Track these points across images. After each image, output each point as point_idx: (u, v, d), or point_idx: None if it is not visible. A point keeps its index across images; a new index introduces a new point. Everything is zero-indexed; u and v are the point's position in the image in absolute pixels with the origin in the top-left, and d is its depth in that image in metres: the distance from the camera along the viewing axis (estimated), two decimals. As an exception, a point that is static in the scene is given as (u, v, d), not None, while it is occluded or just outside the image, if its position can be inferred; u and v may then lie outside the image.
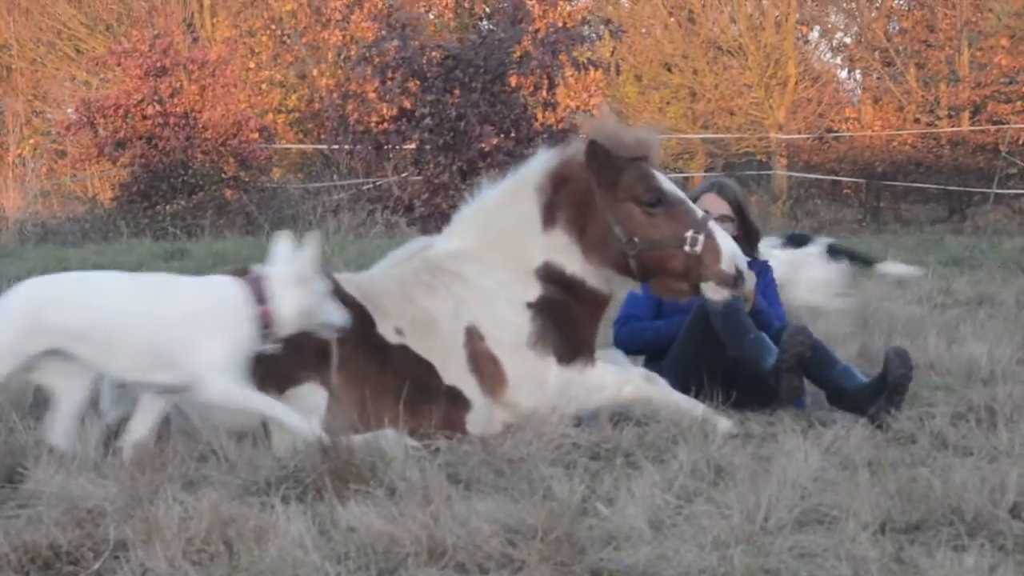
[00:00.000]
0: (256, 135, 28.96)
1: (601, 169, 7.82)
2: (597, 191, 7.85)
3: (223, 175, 27.86)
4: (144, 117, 27.50)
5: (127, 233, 25.30)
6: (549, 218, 7.94)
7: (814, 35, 41.95)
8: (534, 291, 7.92)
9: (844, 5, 40.23)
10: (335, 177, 29.23)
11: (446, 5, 22.80)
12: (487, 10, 21.88)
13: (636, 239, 7.81)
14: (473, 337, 7.79)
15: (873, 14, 39.06)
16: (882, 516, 5.75)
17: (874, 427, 7.68)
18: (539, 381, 7.80)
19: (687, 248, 7.78)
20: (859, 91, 41.44)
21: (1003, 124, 33.41)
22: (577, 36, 20.39)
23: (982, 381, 9.16)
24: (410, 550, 5.34)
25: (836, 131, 36.58)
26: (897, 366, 7.88)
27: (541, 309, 7.89)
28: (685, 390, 8.13)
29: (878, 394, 7.88)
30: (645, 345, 8.87)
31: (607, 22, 21.63)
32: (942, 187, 31.60)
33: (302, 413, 7.12)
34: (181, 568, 5.22)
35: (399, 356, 7.64)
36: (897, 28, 38.66)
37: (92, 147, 28.15)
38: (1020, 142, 33.06)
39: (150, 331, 6.70)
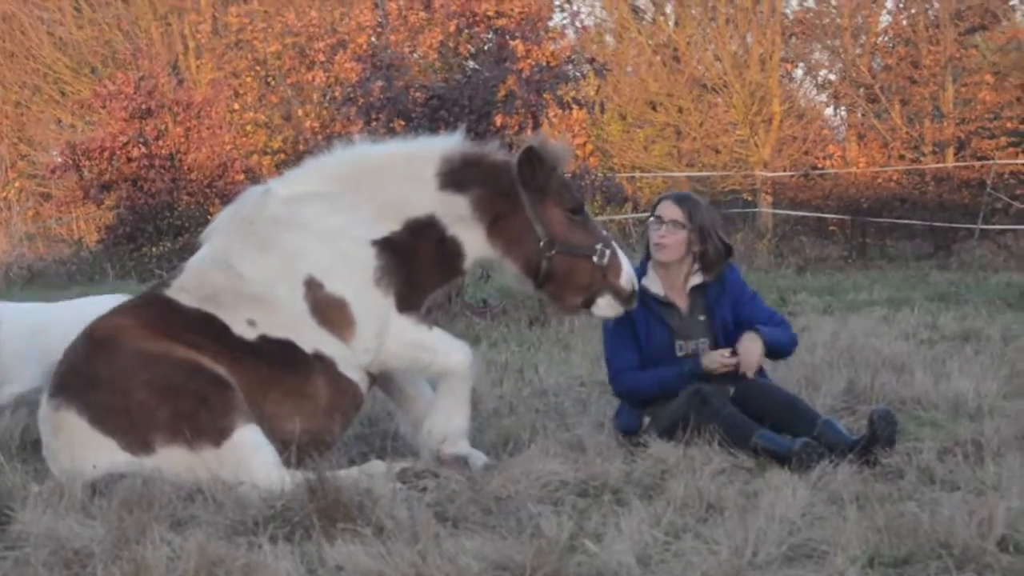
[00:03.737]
0: (242, 176, 28.91)
1: (534, 173, 7.95)
2: (523, 191, 7.96)
3: (209, 216, 27.78)
4: (129, 159, 27.45)
5: (113, 275, 25.28)
6: (450, 183, 7.96)
7: (799, 73, 42.01)
8: (381, 231, 7.90)
9: (828, 42, 40.26)
10: (321, 217, 29.12)
11: (430, 45, 22.73)
12: (471, 50, 21.83)
13: (556, 241, 7.97)
14: (312, 288, 7.72)
15: (858, 51, 39.12)
16: (870, 550, 5.77)
17: (861, 462, 7.67)
18: (383, 320, 7.78)
19: (595, 259, 8.04)
20: (844, 128, 41.46)
21: (988, 160, 33.45)
22: (562, 75, 20.32)
23: (969, 416, 9.18)
24: (398, 588, 5.34)
25: (821, 168, 36.58)
26: (883, 429, 7.84)
27: (385, 248, 7.86)
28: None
29: (865, 454, 7.79)
30: (650, 397, 8.62)
31: (591, 60, 21.55)
32: (927, 223, 31.56)
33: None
34: (169, 608, 5.22)
35: (266, 348, 7.60)
36: (881, 65, 38.67)
37: (77, 190, 28.09)
38: (1005, 178, 33.10)
39: None
